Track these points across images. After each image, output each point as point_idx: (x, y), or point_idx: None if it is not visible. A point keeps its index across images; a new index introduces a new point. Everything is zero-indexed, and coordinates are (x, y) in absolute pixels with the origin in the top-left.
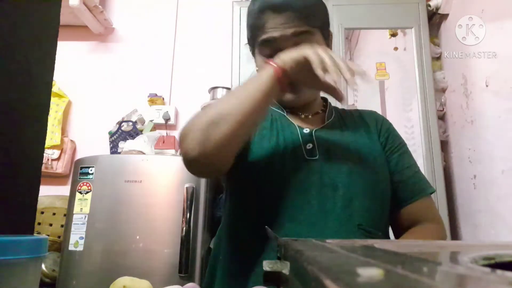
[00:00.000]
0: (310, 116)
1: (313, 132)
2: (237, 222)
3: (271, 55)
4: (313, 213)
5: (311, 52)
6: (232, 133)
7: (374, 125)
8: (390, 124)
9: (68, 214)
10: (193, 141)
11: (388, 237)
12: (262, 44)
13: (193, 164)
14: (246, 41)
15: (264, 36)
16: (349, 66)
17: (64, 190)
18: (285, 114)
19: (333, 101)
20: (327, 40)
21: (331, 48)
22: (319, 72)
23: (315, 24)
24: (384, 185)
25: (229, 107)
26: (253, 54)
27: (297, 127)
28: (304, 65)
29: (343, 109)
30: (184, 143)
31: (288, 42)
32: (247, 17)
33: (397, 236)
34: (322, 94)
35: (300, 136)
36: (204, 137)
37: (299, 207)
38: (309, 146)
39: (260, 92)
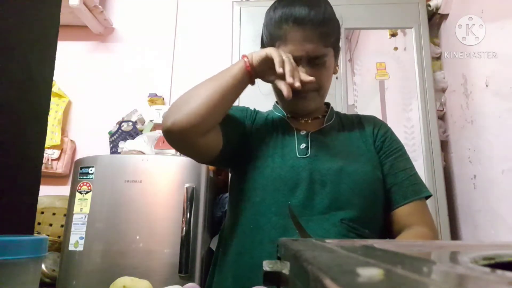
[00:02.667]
0: (309, 121)
1: (309, 134)
2: (235, 214)
3: None
4: (299, 208)
5: (276, 54)
6: (201, 107)
7: (371, 129)
8: (389, 129)
9: (68, 214)
10: (169, 113)
11: (380, 237)
12: None
13: (167, 133)
14: (246, 41)
15: (284, 50)
16: (300, 76)
17: (64, 190)
18: (286, 118)
19: (340, 107)
20: (337, 56)
21: (337, 63)
22: (277, 68)
23: (329, 43)
24: (375, 186)
25: (203, 87)
26: None
27: (294, 129)
28: (266, 62)
29: (345, 114)
30: (164, 116)
31: (305, 58)
32: (266, 23)
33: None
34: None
35: (296, 137)
36: (177, 110)
37: (286, 201)
38: (302, 146)
39: (232, 78)
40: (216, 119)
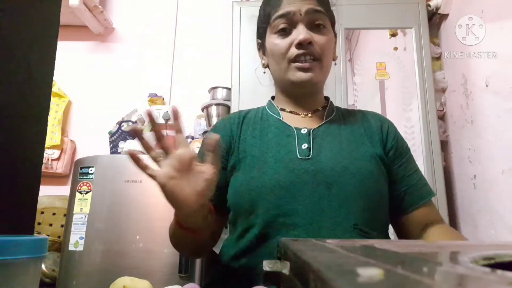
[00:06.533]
0: (309, 115)
1: (311, 131)
2: (239, 229)
3: (285, 31)
4: (308, 214)
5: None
6: (179, 248)
7: (379, 126)
8: (396, 128)
9: (68, 214)
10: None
11: (386, 238)
12: (277, 19)
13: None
14: (246, 41)
15: (280, 11)
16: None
17: (64, 190)
18: (281, 118)
19: (336, 101)
20: (335, 37)
21: (335, 48)
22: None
23: (327, 12)
24: (380, 186)
25: (171, 234)
26: (260, 48)
27: (294, 129)
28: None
29: (346, 109)
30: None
31: (303, 18)
32: (262, 5)
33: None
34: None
35: (296, 137)
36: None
37: (293, 209)
38: (304, 146)
39: (176, 230)
40: (197, 247)
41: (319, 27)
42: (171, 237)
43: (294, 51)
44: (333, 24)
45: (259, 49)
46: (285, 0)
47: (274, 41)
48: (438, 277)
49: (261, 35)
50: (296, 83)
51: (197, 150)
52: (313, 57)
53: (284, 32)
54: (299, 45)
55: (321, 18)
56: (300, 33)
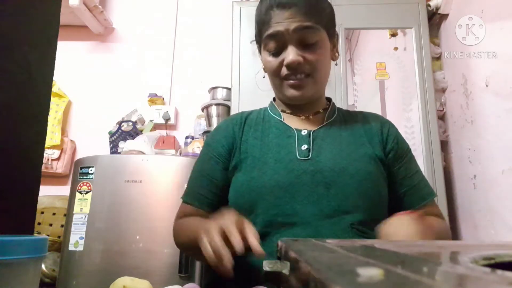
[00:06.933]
0: (310, 117)
1: (311, 133)
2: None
3: (276, 50)
4: (307, 214)
5: (204, 239)
6: (185, 249)
7: (379, 128)
8: (396, 129)
9: (68, 214)
10: (173, 236)
11: None
12: (267, 39)
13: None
14: (246, 41)
15: (269, 31)
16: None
17: (64, 190)
18: (282, 120)
19: (338, 102)
20: (333, 39)
21: (337, 48)
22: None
23: (320, 22)
24: (379, 186)
25: (184, 233)
26: (260, 52)
27: (294, 130)
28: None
29: (347, 110)
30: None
31: (292, 37)
32: (255, 16)
33: None
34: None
35: (296, 138)
36: (175, 239)
37: (292, 209)
38: (304, 147)
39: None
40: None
41: (312, 42)
42: (179, 240)
43: (285, 70)
44: (329, 27)
45: (260, 53)
46: (273, 18)
47: (267, 58)
48: (438, 277)
49: (259, 42)
50: (290, 99)
51: (197, 151)
52: (305, 74)
53: (275, 51)
54: (289, 65)
55: (311, 34)
56: (289, 54)
